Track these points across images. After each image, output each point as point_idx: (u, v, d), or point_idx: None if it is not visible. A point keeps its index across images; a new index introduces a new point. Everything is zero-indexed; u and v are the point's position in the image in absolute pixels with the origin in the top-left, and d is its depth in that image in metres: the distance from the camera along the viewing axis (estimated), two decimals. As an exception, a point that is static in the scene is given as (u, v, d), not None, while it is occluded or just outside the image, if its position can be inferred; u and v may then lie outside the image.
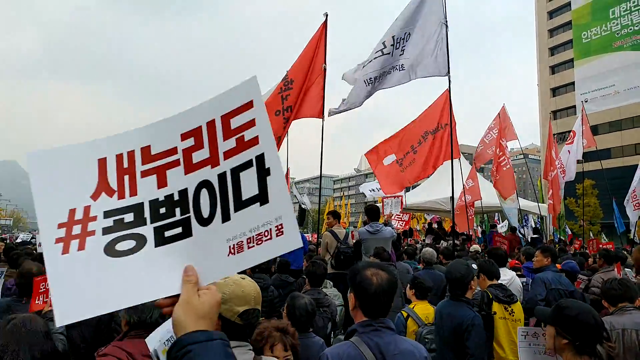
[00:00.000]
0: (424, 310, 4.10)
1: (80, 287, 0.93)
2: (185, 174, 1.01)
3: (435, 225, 17.52)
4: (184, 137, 1.02)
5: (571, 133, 12.46)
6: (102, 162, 1.02)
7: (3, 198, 63.88)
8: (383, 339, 2.00)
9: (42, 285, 3.03)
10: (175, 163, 1.02)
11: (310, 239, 15.42)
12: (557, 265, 5.64)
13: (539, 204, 14.56)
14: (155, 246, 0.98)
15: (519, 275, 6.13)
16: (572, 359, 2.17)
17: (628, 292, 3.29)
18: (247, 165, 0.98)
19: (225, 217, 0.97)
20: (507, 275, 5.06)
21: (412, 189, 16.48)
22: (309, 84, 6.34)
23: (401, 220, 12.13)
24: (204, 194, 1.00)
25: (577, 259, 7.46)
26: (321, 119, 6.38)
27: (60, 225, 0.97)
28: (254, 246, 0.95)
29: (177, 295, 0.92)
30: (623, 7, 14.55)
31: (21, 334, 1.86)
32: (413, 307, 4.10)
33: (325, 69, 6.38)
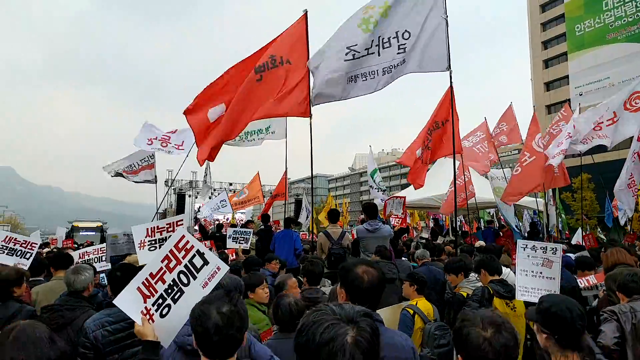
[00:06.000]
0: (424, 306, 4.05)
1: (161, 330, 2.34)
2: (170, 273, 2.42)
3: (431, 223, 17.54)
4: (163, 260, 2.44)
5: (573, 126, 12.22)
6: (139, 289, 2.42)
7: (0, 204, 63.38)
8: None
9: None
10: (164, 272, 2.42)
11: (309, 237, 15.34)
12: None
13: (536, 199, 14.53)
14: (174, 304, 2.39)
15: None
16: (558, 354, 2.14)
17: None
18: (193, 255, 2.43)
19: (194, 277, 2.41)
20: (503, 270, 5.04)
21: (407, 187, 16.43)
22: (294, 78, 6.33)
23: (398, 218, 12.11)
24: (182, 274, 2.42)
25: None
26: (309, 118, 6.36)
27: (142, 314, 2.38)
28: (212, 278, 2.40)
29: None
30: (616, -1, 14.56)
31: (25, 344, 1.77)
32: (416, 304, 4.04)
33: (309, 67, 6.36)
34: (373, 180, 13.04)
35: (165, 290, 2.37)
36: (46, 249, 11.80)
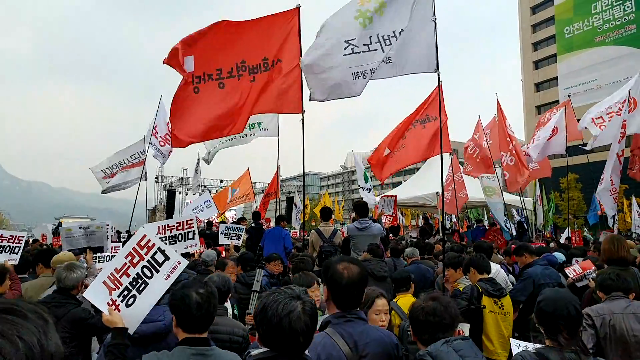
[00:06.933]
0: (408, 302, 4.02)
1: (128, 317, 2.59)
2: (133, 268, 2.68)
3: (421, 222, 17.62)
4: (126, 257, 2.70)
5: (554, 127, 12.42)
6: (105, 282, 2.66)
7: (-17, 200, 62.22)
8: (355, 328, 2.13)
9: None
10: (128, 267, 2.68)
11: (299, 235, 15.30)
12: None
13: (522, 198, 14.66)
14: (139, 294, 2.65)
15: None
16: (546, 341, 2.34)
17: (623, 283, 3.31)
18: (155, 252, 2.72)
19: (157, 271, 2.70)
20: (492, 268, 5.08)
21: (397, 185, 16.52)
22: (285, 74, 6.31)
23: (389, 217, 12.16)
24: (145, 268, 2.69)
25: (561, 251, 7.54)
26: (301, 114, 6.34)
27: (108, 304, 2.61)
28: (174, 271, 2.71)
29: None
30: (605, 2, 14.75)
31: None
32: (397, 301, 4.04)
33: (303, 62, 6.34)
34: (365, 182, 13.26)
35: (130, 283, 2.66)
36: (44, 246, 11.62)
